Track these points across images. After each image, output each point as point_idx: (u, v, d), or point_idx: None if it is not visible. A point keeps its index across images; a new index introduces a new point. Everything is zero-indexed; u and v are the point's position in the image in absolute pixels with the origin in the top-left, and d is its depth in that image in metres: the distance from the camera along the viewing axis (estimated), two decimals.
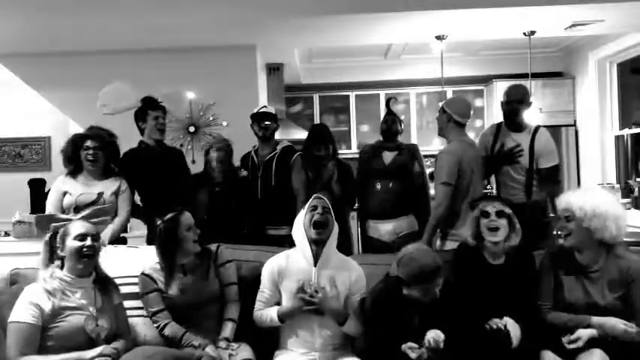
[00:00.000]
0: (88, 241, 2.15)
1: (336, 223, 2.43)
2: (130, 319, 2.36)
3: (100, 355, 2.02)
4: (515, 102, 3.24)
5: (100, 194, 3.13)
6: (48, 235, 2.19)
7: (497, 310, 2.29)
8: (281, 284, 2.39)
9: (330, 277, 2.35)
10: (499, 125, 3.39)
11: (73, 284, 2.13)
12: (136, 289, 2.44)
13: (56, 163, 6.06)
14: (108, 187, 3.19)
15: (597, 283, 2.25)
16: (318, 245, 2.36)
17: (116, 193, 3.21)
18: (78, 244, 2.13)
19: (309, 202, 2.44)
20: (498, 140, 3.31)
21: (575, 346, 2.12)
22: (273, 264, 2.43)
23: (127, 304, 2.38)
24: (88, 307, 2.12)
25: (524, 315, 2.29)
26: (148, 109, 3.44)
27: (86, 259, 2.15)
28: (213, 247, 2.53)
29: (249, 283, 2.51)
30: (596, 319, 2.19)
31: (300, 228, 2.41)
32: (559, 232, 2.32)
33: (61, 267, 2.15)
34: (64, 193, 3.14)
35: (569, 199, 2.27)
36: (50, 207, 3.15)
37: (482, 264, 2.42)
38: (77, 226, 2.19)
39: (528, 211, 3.03)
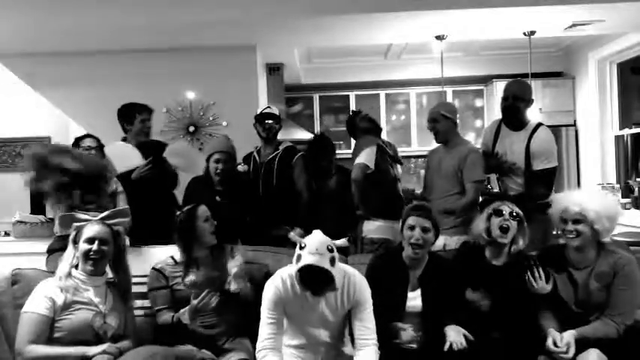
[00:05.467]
0: (95, 245, 2.24)
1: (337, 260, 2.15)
2: None
3: (104, 352, 2.08)
4: (513, 98, 3.15)
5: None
6: (73, 234, 2.31)
7: (494, 310, 2.33)
8: (286, 309, 2.21)
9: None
10: (500, 123, 3.32)
11: (85, 282, 2.25)
12: (135, 288, 2.45)
13: None
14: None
15: (586, 277, 2.30)
16: None
17: (112, 196, 3.09)
18: (86, 247, 2.24)
19: (298, 263, 2.06)
20: (498, 140, 3.28)
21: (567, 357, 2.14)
22: (277, 289, 2.19)
23: None
24: (98, 305, 2.22)
25: (519, 317, 2.31)
26: (136, 112, 3.51)
27: (93, 261, 2.25)
28: (227, 246, 2.59)
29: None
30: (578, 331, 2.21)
31: (296, 272, 2.11)
32: (562, 232, 2.34)
33: (77, 266, 2.28)
34: None
35: (582, 202, 2.29)
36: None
37: (483, 263, 2.44)
38: (89, 229, 2.28)
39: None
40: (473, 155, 3.18)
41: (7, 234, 4.33)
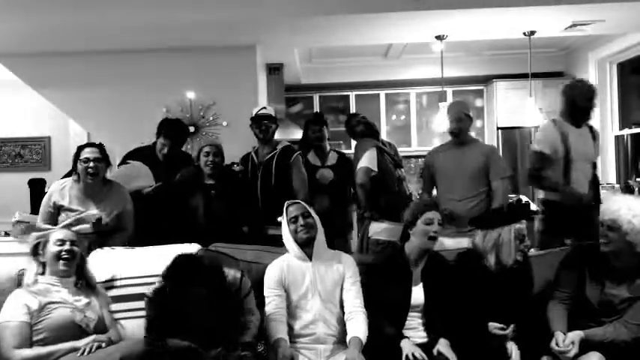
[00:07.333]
0: (67, 246, 2.26)
1: (319, 223, 2.51)
2: (122, 322, 2.36)
3: (94, 341, 2.05)
4: (591, 100, 3.25)
5: (99, 220, 2.88)
6: (33, 245, 2.29)
7: (495, 311, 2.33)
8: (285, 284, 2.44)
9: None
10: (560, 122, 3.27)
11: (55, 284, 2.23)
12: (129, 290, 2.43)
13: (56, 163, 6.10)
14: (109, 210, 2.95)
15: (620, 284, 2.22)
16: (308, 245, 2.46)
17: (118, 216, 2.97)
18: (57, 248, 2.26)
19: (286, 211, 2.51)
20: (569, 137, 3.19)
21: (568, 357, 2.11)
22: (276, 268, 2.47)
23: (119, 306, 2.40)
24: (73, 303, 2.20)
25: (521, 317, 2.31)
26: (162, 129, 3.54)
27: (65, 262, 2.25)
28: (237, 275, 2.38)
29: None
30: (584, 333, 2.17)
31: (287, 235, 2.49)
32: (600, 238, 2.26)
33: (42, 273, 2.27)
34: (59, 208, 2.92)
35: (619, 211, 2.18)
36: (42, 219, 2.97)
37: (482, 267, 2.44)
38: (57, 233, 2.32)
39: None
40: (496, 152, 3.28)
41: (7, 234, 4.32)
